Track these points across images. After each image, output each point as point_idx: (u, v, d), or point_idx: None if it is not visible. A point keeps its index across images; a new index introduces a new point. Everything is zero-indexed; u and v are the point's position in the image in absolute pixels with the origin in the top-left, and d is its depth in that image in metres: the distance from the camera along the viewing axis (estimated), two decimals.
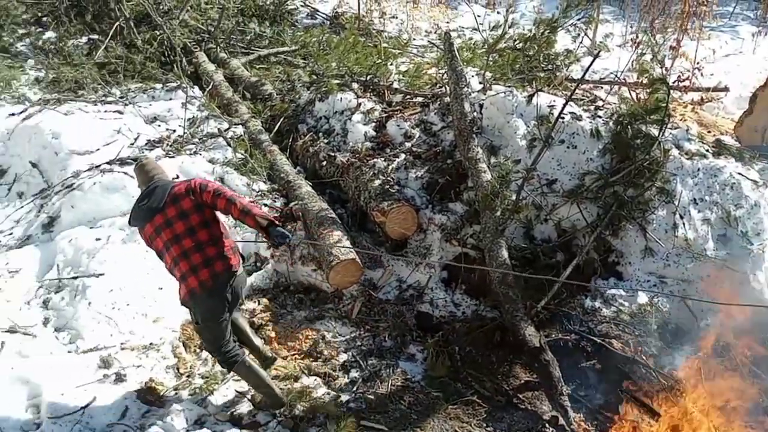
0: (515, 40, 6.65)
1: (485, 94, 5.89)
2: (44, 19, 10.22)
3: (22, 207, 6.30)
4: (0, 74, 8.11)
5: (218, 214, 3.91)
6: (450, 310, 5.21)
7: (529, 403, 4.38)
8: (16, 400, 3.94)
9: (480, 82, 6.21)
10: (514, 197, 5.01)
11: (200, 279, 3.72)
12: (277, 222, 3.85)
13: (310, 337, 4.81)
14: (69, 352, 4.44)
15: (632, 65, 6.70)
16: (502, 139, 5.67)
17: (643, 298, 4.92)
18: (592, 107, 5.83)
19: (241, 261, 3.95)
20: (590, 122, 5.42)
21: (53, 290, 5.10)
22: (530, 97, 5.54)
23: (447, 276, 5.42)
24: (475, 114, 5.70)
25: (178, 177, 6.03)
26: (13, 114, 7.36)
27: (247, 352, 4.22)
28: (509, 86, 5.92)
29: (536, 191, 5.29)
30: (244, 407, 4.17)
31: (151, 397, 4.13)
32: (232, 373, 4.12)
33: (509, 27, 6.15)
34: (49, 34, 9.85)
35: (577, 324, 4.80)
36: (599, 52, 5.07)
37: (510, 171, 5.12)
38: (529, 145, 5.43)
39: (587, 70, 4.95)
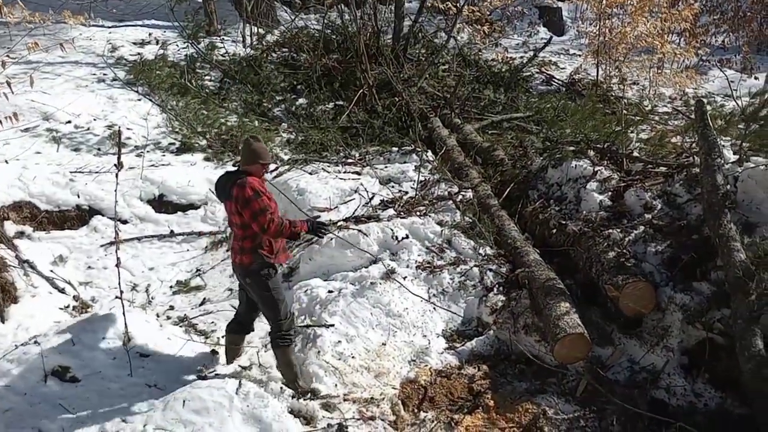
0: None
1: (741, 166, 5.37)
2: (299, 87, 11.37)
3: None
4: (259, 135, 9.10)
5: None
6: (689, 399, 4.70)
7: None
8: None
9: (735, 153, 5.68)
10: None
11: (232, 261, 4.76)
12: (307, 225, 4.72)
13: (530, 410, 4.62)
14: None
15: None
16: (760, 216, 5.10)
17: None
18: None
19: (246, 260, 4.58)
20: None
21: None
22: None
23: (687, 362, 4.91)
24: (728, 187, 5.20)
25: (407, 237, 6.26)
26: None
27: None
28: None
29: None
30: None
31: None
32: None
33: None
34: (301, 101, 10.92)
35: None
36: None
37: None
38: None
39: None
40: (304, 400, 4.56)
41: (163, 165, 8.09)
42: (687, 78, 12.37)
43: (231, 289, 6.42)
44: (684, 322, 4.89)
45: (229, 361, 5.12)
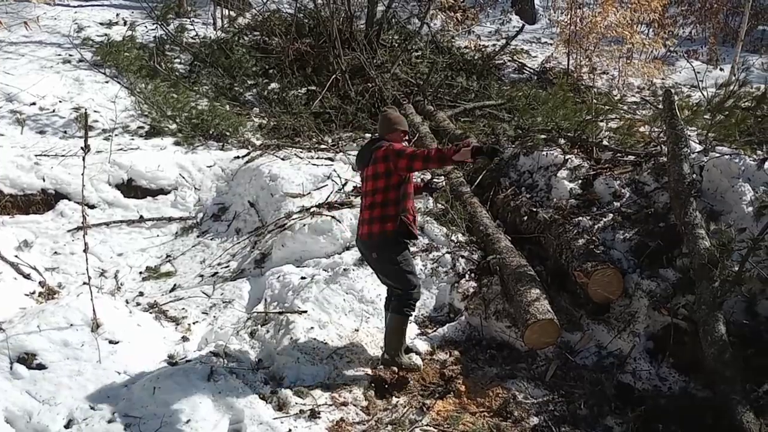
0: (743, 99, 6.13)
1: (707, 156, 5.47)
2: (270, 71, 11.27)
3: (239, 242, 6.91)
4: (230, 120, 8.99)
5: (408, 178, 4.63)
6: (654, 383, 4.80)
7: None
8: (220, 424, 4.21)
9: (701, 143, 5.79)
10: (736, 268, 4.55)
11: (359, 232, 4.72)
12: (476, 146, 4.19)
13: (500, 395, 4.67)
14: (266, 384, 4.69)
15: None
16: (724, 205, 5.21)
17: None
18: None
19: (389, 227, 4.51)
20: None
21: (260, 322, 5.42)
22: (762, 161, 5.04)
23: (653, 346, 5.01)
24: (694, 176, 5.31)
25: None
26: (237, 157, 8.15)
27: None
28: (735, 148, 5.45)
29: (763, 263, 4.75)
30: None
31: None
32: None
33: (739, 87, 5.68)
34: (274, 85, 10.83)
35: None
36: None
37: (733, 239, 4.66)
38: (757, 213, 4.93)
39: None
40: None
41: (132, 149, 7.97)
42: (655, 68, 12.56)
43: (202, 275, 6.39)
44: (650, 308, 4.98)
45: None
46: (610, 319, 5.16)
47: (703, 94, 7.31)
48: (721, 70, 13.63)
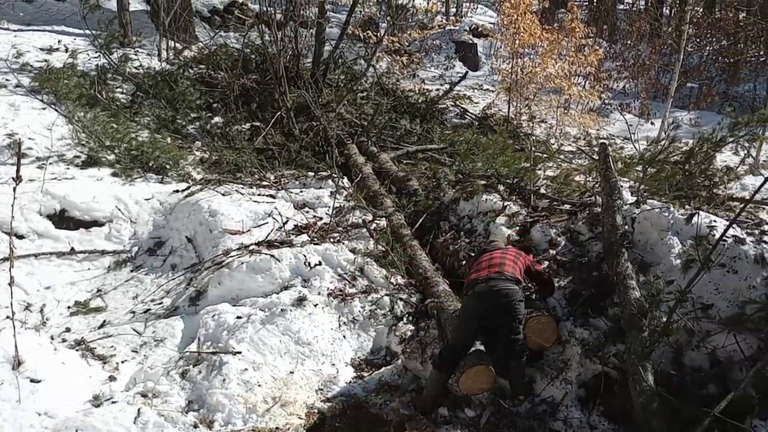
0: (672, 153, 6.43)
1: (639, 208, 5.69)
2: (215, 105, 11.18)
3: (174, 279, 6.74)
4: (170, 153, 8.81)
5: None
6: (585, 431, 4.88)
7: None
8: None
9: (633, 195, 6.02)
10: (664, 319, 4.70)
11: None
12: None
13: None
14: (195, 427, 4.55)
15: None
16: (654, 256, 5.40)
17: None
18: (756, 231, 5.44)
19: None
20: (755, 247, 5.03)
21: (192, 362, 5.27)
22: (690, 216, 5.27)
23: (584, 394, 5.11)
24: (626, 227, 5.50)
25: (320, 263, 6.27)
26: (177, 191, 7.99)
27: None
28: (665, 202, 5.69)
29: (689, 315, 4.93)
30: None
31: None
32: None
33: (670, 143, 5.96)
34: (217, 120, 10.72)
35: None
36: None
37: (661, 290, 4.84)
38: (685, 266, 5.12)
39: (757, 191, 4.66)
40: None
41: (66, 179, 7.71)
42: (591, 119, 13.06)
43: (133, 312, 6.19)
44: (582, 356, 5.08)
45: None
46: (543, 366, 5.23)
47: (635, 147, 7.64)
48: (652, 123, 14.28)
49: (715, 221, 5.30)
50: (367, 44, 15.05)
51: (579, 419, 4.94)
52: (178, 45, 12.90)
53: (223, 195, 7.76)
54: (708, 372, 4.82)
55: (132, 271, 6.94)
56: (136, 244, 7.29)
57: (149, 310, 6.23)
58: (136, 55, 11.75)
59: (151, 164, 8.55)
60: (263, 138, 10.00)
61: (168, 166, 8.64)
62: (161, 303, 6.37)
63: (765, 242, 5.15)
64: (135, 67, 11.40)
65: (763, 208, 6.90)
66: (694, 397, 4.70)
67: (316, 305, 5.79)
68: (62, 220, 7.20)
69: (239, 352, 5.24)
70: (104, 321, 6.06)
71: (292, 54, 11.88)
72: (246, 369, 5.08)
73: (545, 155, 8.70)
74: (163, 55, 12.49)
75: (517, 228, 6.47)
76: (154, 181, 8.27)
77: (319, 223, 7.32)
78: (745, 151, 6.66)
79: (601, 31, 20.07)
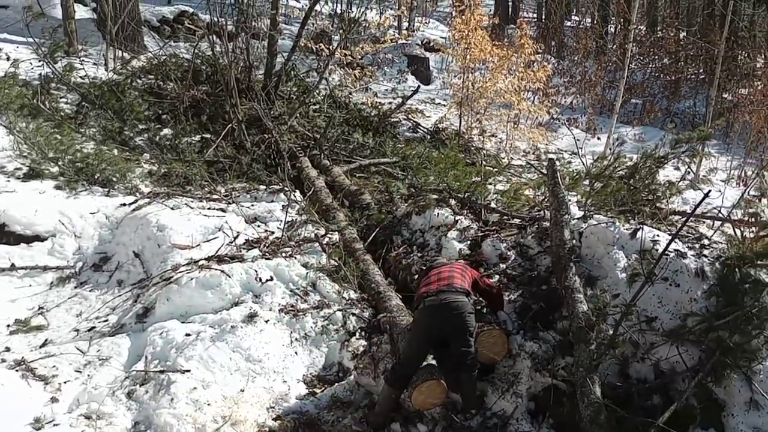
0: (617, 168, 6.60)
1: (585, 223, 5.81)
2: (164, 116, 10.97)
3: (120, 295, 6.55)
4: (117, 165, 8.58)
5: None
6: None
7: None
8: None
9: (580, 209, 6.15)
10: (611, 331, 4.80)
11: None
12: None
13: None
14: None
15: (742, 203, 6.47)
16: (600, 270, 5.52)
17: None
18: (697, 245, 5.62)
19: None
20: (695, 261, 5.20)
21: (139, 382, 5.16)
22: (635, 231, 5.41)
23: (534, 407, 5.17)
24: (574, 242, 5.61)
25: (272, 279, 6.20)
26: (124, 204, 7.79)
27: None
28: (611, 217, 5.83)
29: (634, 328, 5.05)
30: None
31: None
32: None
33: (615, 159, 6.12)
34: (166, 131, 10.51)
35: None
36: (710, 191, 4.93)
37: (608, 304, 4.95)
38: (630, 279, 5.25)
39: (697, 206, 4.80)
40: None
41: (7, 192, 7.45)
42: (540, 134, 13.32)
43: (77, 330, 6.00)
44: (532, 369, 5.15)
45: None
46: (494, 379, 5.28)
47: (582, 161, 7.81)
48: (598, 138, 14.66)
49: (658, 236, 5.45)
50: (319, 57, 15.03)
51: None
52: (125, 55, 12.65)
53: (172, 209, 7.58)
54: (653, 383, 4.94)
55: (76, 287, 6.74)
56: (81, 260, 7.08)
57: (94, 327, 6.05)
58: (81, 64, 11.46)
59: (96, 177, 8.33)
60: (214, 150, 9.85)
61: (115, 179, 8.43)
62: (106, 320, 6.18)
63: (705, 256, 5.32)
64: (81, 77, 11.11)
65: (704, 222, 7.12)
66: (639, 408, 4.82)
67: (267, 321, 5.72)
68: (2, 234, 6.96)
69: (188, 371, 5.13)
70: (46, 340, 5.85)
71: (243, 65, 11.78)
72: (195, 387, 4.98)
73: (496, 169, 8.84)
74: (110, 64, 12.23)
75: (469, 242, 6.53)
76: (100, 194, 8.05)
77: (270, 238, 7.23)
78: (686, 167, 6.92)
79: (550, 47, 20.53)
